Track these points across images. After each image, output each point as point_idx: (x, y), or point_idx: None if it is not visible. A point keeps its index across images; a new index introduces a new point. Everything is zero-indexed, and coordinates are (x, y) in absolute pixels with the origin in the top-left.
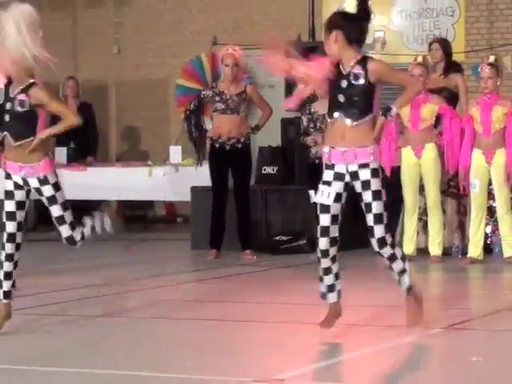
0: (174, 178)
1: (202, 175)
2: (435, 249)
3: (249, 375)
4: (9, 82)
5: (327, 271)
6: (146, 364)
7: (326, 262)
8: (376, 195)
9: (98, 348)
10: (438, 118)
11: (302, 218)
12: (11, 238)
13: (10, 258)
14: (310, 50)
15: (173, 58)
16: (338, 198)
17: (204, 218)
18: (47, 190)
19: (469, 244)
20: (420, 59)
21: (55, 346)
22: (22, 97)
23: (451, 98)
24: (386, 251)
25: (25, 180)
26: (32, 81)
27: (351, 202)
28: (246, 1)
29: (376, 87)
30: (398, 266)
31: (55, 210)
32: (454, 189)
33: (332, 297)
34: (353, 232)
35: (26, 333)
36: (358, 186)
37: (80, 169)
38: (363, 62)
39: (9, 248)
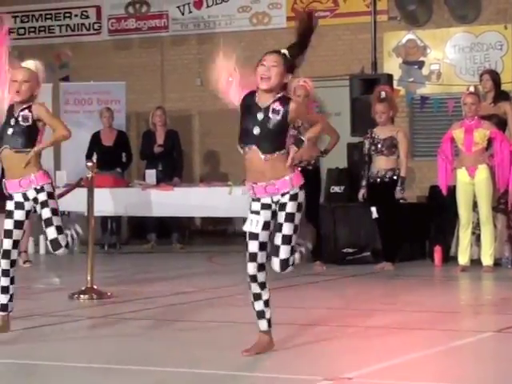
0: None
1: None
2: (487, 260)
3: (318, 374)
4: (12, 105)
5: (256, 297)
6: (230, 364)
7: (254, 287)
8: (288, 217)
9: (187, 349)
10: (490, 142)
11: (366, 232)
12: (6, 254)
13: (5, 273)
14: (372, 81)
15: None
16: (266, 226)
17: None
18: (42, 196)
19: None
20: (472, 89)
21: (147, 347)
22: (25, 112)
23: (500, 123)
24: (287, 272)
25: (25, 194)
26: (35, 100)
27: (405, 220)
28: (315, 38)
29: (289, 126)
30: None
31: (45, 213)
32: (504, 205)
33: (262, 324)
34: (410, 246)
35: (122, 336)
36: (277, 209)
37: (167, 189)
38: (286, 100)
39: (4, 264)
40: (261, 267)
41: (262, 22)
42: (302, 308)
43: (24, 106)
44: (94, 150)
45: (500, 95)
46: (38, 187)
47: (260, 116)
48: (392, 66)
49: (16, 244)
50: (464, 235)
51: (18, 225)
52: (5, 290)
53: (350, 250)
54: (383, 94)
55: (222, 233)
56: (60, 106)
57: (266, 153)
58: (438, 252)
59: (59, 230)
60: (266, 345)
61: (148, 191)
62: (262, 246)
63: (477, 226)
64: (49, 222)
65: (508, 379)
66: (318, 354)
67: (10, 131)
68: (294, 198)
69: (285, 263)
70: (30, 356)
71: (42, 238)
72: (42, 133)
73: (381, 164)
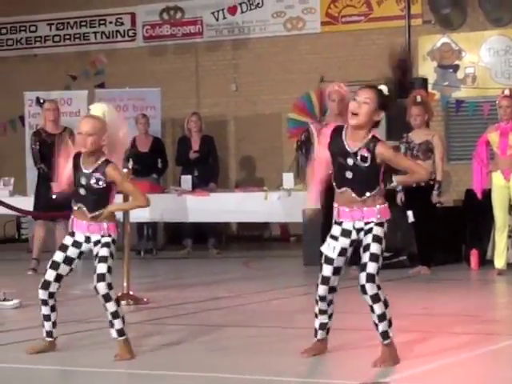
0: (287, 202)
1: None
2: None
3: (356, 379)
4: (77, 154)
5: (322, 312)
6: (264, 369)
7: (322, 306)
8: (376, 238)
9: (224, 355)
10: None
11: (402, 236)
12: (46, 285)
13: (44, 302)
14: (408, 86)
15: (284, 94)
16: (342, 252)
17: (315, 237)
18: (105, 239)
19: None
20: (507, 92)
21: (186, 353)
22: (98, 175)
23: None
24: (372, 287)
25: (87, 237)
26: (104, 158)
27: (441, 224)
28: (349, 43)
29: (382, 165)
30: (380, 308)
31: (103, 252)
32: None
33: (321, 334)
34: (446, 250)
35: (159, 341)
36: (361, 236)
37: (203, 194)
38: (373, 143)
39: (41, 294)
40: (331, 290)
41: (296, 27)
42: (338, 313)
43: (96, 166)
44: (130, 156)
45: None
46: (106, 234)
47: (350, 162)
48: (427, 69)
49: (59, 278)
50: (500, 238)
51: (68, 261)
52: (47, 317)
53: (387, 254)
54: (419, 98)
55: (257, 238)
56: None
57: (361, 195)
58: (474, 255)
59: (110, 270)
60: (322, 350)
61: (184, 197)
62: (336, 271)
63: None
64: (103, 260)
65: None
66: (353, 359)
67: (82, 191)
68: (380, 225)
69: (371, 277)
70: (69, 362)
71: None
72: (114, 190)
73: None
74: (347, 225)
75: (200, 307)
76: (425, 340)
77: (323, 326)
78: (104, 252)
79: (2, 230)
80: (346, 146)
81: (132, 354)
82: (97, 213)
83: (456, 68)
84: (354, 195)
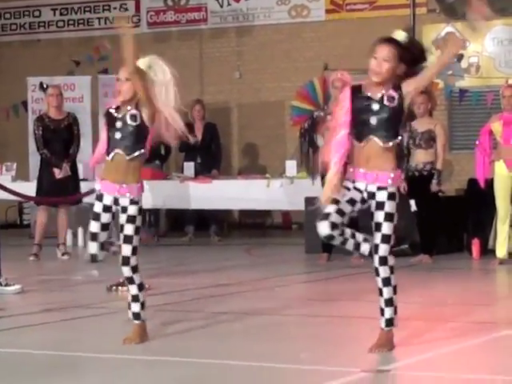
0: (289, 189)
1: (314, 186)
2: None
3: (357, 366)
4: (107, 111)
5: (353, 235)
6: (265, 355)
7: (338, 239)
8: (388, 217)
9: (225, 341)
10: None
11: (404, 225)
12: (94, 258)
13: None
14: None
15: (288, 82)
16: (351, 201)
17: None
18: (132, 210)
19: None
20: (511, 82)
21: (186, 339)
22: (133, 112)
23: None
24: (385, 270)
25: (116, 199)
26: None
27: (444, 213)
28: (353, 31)
29: (405, 111)
30: (388, 293)
31: (128, 229)
32: None
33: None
34: (448, 239)
35: (159, 327)
36: (372, 205)
37: (206, 181)
38: (398, 84)
39: (93, 248)
40: (334, 226)
41: (300, 15)
42: (340, 301)
43: (129, 107)
44: None
45: None
46: (135, 199)
47: (375, 106)
48: (431, 58)
49: (102, 246)
50: (502, 228)
51: (105, 227)
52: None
53: None
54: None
55: (259, 225)
56: (99, 98)
57: (385, 142)
58: (475, 245)
59: (134, 251)
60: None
61: (186, 184)
62: (340, 212)
63: None
64: (128, 240)
65: None
66: (356, 347)
67: (117, 135)
68: (392, 197)
69: (383, 260)
70: (69, 347)
71: (80, 230)
72: (151, 132)
73: (419, 157)
74: (360, 184)
75: (201, 294)
76: (426, 328)
77: (366, 240)
78: (129, 230)
79: (4, 215)
80: (369, 95)
81: (141, 339)
82: (134, 155)
83: (460, 57)
84: (378, 141)
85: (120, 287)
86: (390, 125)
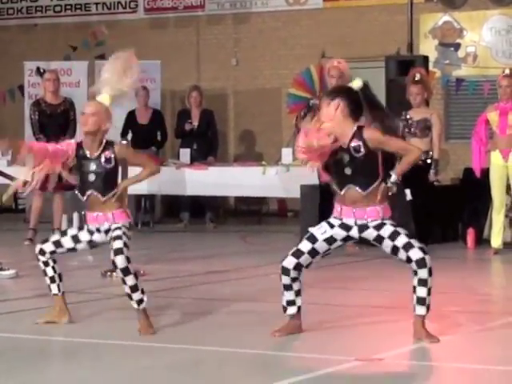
0: (285, 177)
1: (309, 174)
2: None
3: (351, 354)
4: (78, 145)
5: (287, 288)
6: (260, 343)
7: (285, 280)
8: (394, 235)
9: (217, 328)
10: None
11: (399, 214)
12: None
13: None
14: (408, 63)
15: (285, 69)
16: (330, 240)
17: (312, 212)
18: (116, 232)
19: None
20: (507, 71)
21: (180, 325)
22: (108, 154)
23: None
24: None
25: (98, 228)
26: (108, 140)
27: (439, 202)
28: (351, 19)
29: (378, 153)
30: (423, 273)
31: (117, 243)
32: None
33: (290, 310)
34: (443, 228)
35: (154, 313)
36: (369, 237)
37: (201, 168)
38: (359, 132)
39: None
40: (298, 267)
41: (298, 2)
42: (336, 289)
43: (101, 148)
44: (129, 128)
45: None
46: (114, 226)
47: (346, 157)
48: (428, 47)
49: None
50: (497, 218)
51: (77, 241)
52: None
53: None
54: (418, 76)
55: (255, 212)
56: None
57: (365, 189)
58: (470, 234)
59: (126, 245)
60: (296, 328)
61: (182, 170)
62: (313, 253)
63: (510, 209)
64: (118, 237)
65: None
66: (350, 336)
67: (91, 177)
68: (386, 221)
69: (422, 263)
70: (63, 332)
71: (75, 215)
72: (121, 169)
73: None
74: (349, 221)
75: (196, 280)
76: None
77: (290, 303)
78: (118, 244)
79: None
80: (343, 145)
81: (152, 327)
82: (110, 194)
83: (457, 47)
84: (358, 189)
85: (114, 273)
86: (364, 171)
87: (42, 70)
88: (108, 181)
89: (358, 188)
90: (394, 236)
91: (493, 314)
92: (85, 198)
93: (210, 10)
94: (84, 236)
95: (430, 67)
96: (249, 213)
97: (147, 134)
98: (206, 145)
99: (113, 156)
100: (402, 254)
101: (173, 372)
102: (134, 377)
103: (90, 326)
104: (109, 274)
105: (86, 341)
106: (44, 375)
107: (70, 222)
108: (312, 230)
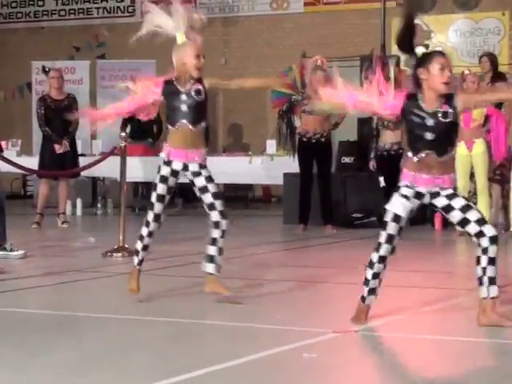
0: (269, 166)
1: (292, 163)
2: None
3: (328, 327)
4: (168, 82)
5: (375, 276)
6: (244, 316)
7: (378, 268)
8: (466, 208)
9: (208, 303)
10: (486, 119)
11: (373, 199)
12: (157, 218)
13: (150, 234)
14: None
15: (269, 67)
16: (408, 213)
17: (294, 198)
18: (205, 173)
19: None
20: (467, 72)
21: (173, 301)
22: (197, 86)
23: (497, 102)
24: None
25: (185, 165)
26: (196, 76)
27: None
28: (329, 22)
29: (459, 122)
30: (493, 251)
31: (213, 187)
32: (498, 176)
33: (369, 300)
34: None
35: (150, 290)
36: (438, 204)
37: None
38: (451, 98)
39: (153, 226)
40: (392, 250)
41: (281, 7)
42: (314, 267)
43: (192, 81)
44: (128, 121)
45: (497, 76)
46: (203, 163)
47: (430, 122)
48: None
49: (164, 208)
50: None
51: (170, 191)
52: (145, 248)
53: (359, 215)
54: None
55: (242, 198)
56: (97, 81)
57: (443, 155)
58: (438, 218)
59: (222, 213)
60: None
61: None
62: (400, 232)
63: (474, 195)
64: (219, 196)
65: (496, 332)
66: (328, 310)
67: (183, 107)
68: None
69: (494, 239)
70: (68, 307)
71: (78, 200)
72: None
73: (387, 138)
74: (422, 189)
75: (188, 260)
76: (391, 294)
77: (372, 292)
78: (215, 188)
79: (10, 186)
80: (424, 108)
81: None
82: (198, 126)
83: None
84: (436, 156)
85: (114, 253)
86: (446, 138)
87: (47, 69)
88: (198, 112)
89: (436, 154)
90: (465, 209)
91: (458, 290)
92: (175, 127)
93: None
94: (172, 182)
95: (401, 66)
96: (236, 198)
97: (144, 127)
98: None
99: (202, 89)
100: (473, 228)
101: (169, 343)
102: (133, 346)
103: (92, 302)
104: (109, 254)
105: (88, 315)
106: (52, 345)
107: (74, 207)
108: (392, 208)
